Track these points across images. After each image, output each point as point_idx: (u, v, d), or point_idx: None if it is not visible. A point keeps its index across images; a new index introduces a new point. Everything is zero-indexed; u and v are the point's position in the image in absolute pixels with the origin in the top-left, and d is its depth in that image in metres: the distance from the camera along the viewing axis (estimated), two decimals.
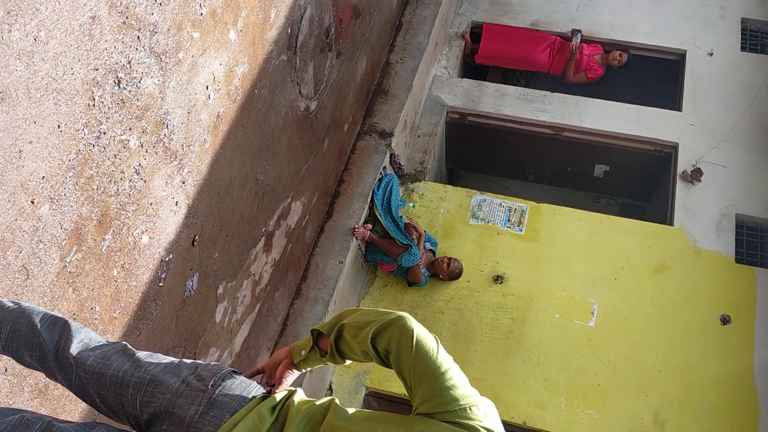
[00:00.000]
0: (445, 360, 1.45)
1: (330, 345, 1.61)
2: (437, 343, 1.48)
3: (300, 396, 1.60)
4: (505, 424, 4.91)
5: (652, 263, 5.68)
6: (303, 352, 1.68)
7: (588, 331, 5.44)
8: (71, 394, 2.60)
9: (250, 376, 1.74)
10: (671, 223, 5.91)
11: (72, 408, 2.66)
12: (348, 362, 1.64)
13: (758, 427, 4.96)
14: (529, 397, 5.21)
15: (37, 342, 1.81)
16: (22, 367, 2.34)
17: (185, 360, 1.71)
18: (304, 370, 1.74)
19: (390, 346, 1.47)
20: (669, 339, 5.35)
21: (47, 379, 2.46)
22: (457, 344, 5.45)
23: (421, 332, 1.46)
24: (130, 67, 2.57)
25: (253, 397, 1.58)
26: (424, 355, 1.43)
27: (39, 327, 1.82)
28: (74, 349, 1.77)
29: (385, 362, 1.53)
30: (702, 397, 5.11)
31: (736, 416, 5.02)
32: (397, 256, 5.43)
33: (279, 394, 1.62)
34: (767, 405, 5.03)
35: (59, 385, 2.54)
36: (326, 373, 5.26)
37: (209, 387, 1.56)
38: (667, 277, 5.61)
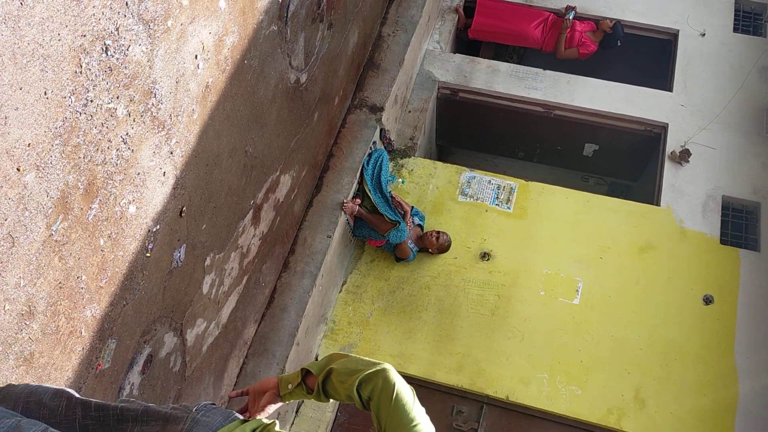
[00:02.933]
0: (418, 413, 1.63)
1: (317, 385, 1.81)
2: (414, 396, 1.65)
3: (279, 428, 1.73)
4: (488, 398, 4.98)
5: (638, 243, 5.73)
6: (290, 386, 1.86)
7: (572, 308, 5.50)
8: (56, 361, 2.61)
9: (235, 396, 1.99)
10: (658, 204, 5.95)
11: (57, 376, 2.67)
12: (331, 400, 1.84)
13: (736, 406, 5.05)
14: (513, 373, 5.27)
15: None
16: (7, 335, 2.34)
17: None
18: (287, 402, 1.93)
19: (372, 394, 1.66)
20: (652, 318, 5.42)
21: (33, 346, 2.46)
22: (443, 320, 5.49)
23: (401, 386, 1.65)
24: (118, 34, 2.53)
25: (235, 418, 1.73)
26: (402, 407, 1.62)
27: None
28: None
29: (365, 407, 1.71)
30: (683, 375, 5.20)
31: (715, 395, 5.11)
32: (385, 232, 5.44)
33: (263, 417, 1.80)
34: (746, 384, 5.12)
35: (45, 353, 2.54)
36: (313, 345, 5.30)
37: (192, 411, 1.71)
38: (652, 257, 5.67)
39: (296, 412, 5.15)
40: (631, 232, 5.78)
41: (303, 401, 5.20)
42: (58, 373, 2.67)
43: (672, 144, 6.18)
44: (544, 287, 5.59)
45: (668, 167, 6.09)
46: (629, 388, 5.17)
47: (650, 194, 6.24)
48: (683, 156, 6.05)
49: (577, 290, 5.55)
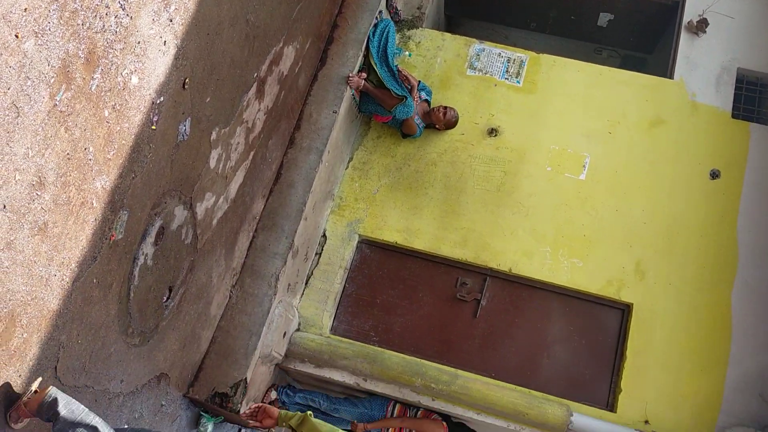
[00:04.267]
0: None
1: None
2: None
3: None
4: (491, 271, 5.10)
5: (648, 117, 5.65)
6: (284, 424, 2.88)
7: (578, 184, 5.51)
8: (70, 232, 2.66)
9: (250, 413, 3.03)
10: (671, 77, 5.80)
11: (72, 246, 2.73)
12: None
13: (734, 276, 5.18)
14: (516, 246, 5.38)
15: None
16: (20, 204, 2.37)
17: None
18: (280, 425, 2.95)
19: None
20: (657, 192, 5.44)
21: (46, 216, 2.50)
22: (449, 196, 5.53)
23: None
24: None
25: None
26: None
27: None
28: None
29: None
30: (684, 248, 5.29)
31: (715, 266, 5.23)
32: (392, 108, 5.35)
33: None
34: (746, 257, 5.22)
35: (58, 223, 2.58)
36: (320, 220, 5.38)
37: None
38: (661, 132, 5.60)
39: (306, 283, 5.32)
40: (642, 107, 5.68)
41: (312, 273, 5.35)
42: (72, 243, 2.72)
43: (690, 13, 5.93)
44: (550, 163, 5.58)
45: (684, 38, 5.88)
46: (630, 261, 5.29)
47: (664, 67, 6.07)
48: (700, 26, 5.82)
49: (584, 166, 5.54)
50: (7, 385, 2.54)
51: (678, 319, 5.12)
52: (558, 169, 5.55)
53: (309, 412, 2.83)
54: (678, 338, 5.08)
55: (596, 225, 5.40)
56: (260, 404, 3.00)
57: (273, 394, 5.17)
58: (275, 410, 2.91)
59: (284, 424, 2.86)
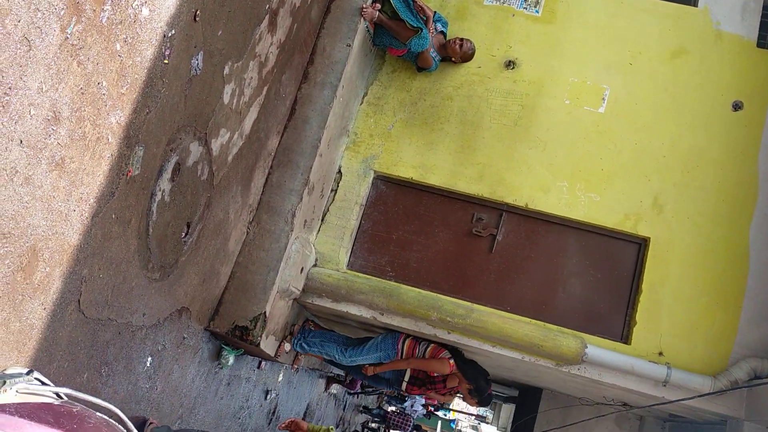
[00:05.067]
0: None
1: None
2: None
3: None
4: (507, 206, 5.09)
5: (670, 47, 5.49)
6: None
7: (597, 117, 5.42)
8: (87, 167, 2.66)
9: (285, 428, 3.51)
10: (695, 4, 5.61)
11: (90, 181, 2.74)
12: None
13: (754, 210, 5.13)
14: (533, 181, 5.34)
15: None
16: (36, 140, 2.37)
17: None
18: None
19: None
20: (678, 125, 5.34)
21: (63, 152, 2.50)
22: (465, 131, 5.47)
23: None
24: None
25: None
26: None
27: None
28: None
29: None
30: (703, 180, 5.23)
31: (734, 198, 5.17)
32: (407, 40, 5.24)
33: None
34: (766, 191, 5.16)
35: (75, 159, 2.59)
36: (335, 156, 5.36)
37: None
38: (683, 62, 5.46)
39: (322, 219, 5.34)
40: (664, 36, 5.51)
41: (328, 210, 5.36)
42: (90, 178, 2.74)
43: None
44: (569, 96, 5.47)
45: None
46: (648, 195, 5.24)
47: None
48: None
49: (603, 98, 5.44)
50: None
51: (695, 253, 5.11)
52: (576, 102, 5.45)
53: (331, 426, 3.46)
54: (695, 272, 5.08)
55: (614, 159, 5.33)
56: (293, 419, 3.60)
57: (287, 346, 5.28)
58: (305, 424, 3.55)
59: None
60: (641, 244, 5.23)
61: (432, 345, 5.27)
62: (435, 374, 5.33)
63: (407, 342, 5.28)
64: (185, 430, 2.26)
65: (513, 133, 5.45)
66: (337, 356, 5.43)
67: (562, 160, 5.37)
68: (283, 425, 3.60)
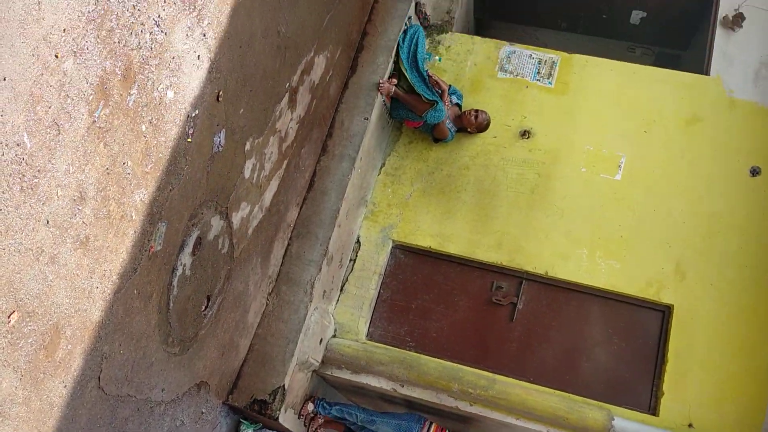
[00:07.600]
0: None
1: None
2: None
3: None
4: (527, 274, 5.09)
5: (685, 115, 5.54)
6: None
7: (614, 184, 5.44)
8: (111, 245, 2.72)
9: None
10: (707, 73, 5.69)
11: (113, 258, 2.79)
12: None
13: None
14: (552, 249, 5.32)
15: None
16: (63, 219, 2.44)
17: None
18: None
19: None
20: (696, 191, 5.33)
21: (88, 230, 2.56)
22: (482, 200, 5.50)
23: None
24: None
25: None
26: None
27: None
28: None
29: None
30: (725, 247, 5.17)
31: (757, 263, 5.10)
32: (423, 113, 5.35)
33: None
34: None
35: (99, 237, 2.65)
36: (354, 227, 5.40)
37: None
38: (698, 129, 5.49)
39: (341, 289, 5.34)
40: (678, 104, 5.57)
41: (347, 280, 5.37)
42: (113, 255, 2.79)
43: (725, 8, 5.80)
44: (585, 164, 5.51)
45: (720, 34, 5.76)
46: (670, 261, 5.19)
47: (699, 64, 5.95)
48: (736, 21, 5.70)
49: (619, 166, 5.46)
50: None
51: (721, 320, 5.00)
52: (593, 169, 5.49)
53: None
54: (721, 339, 4.96)
55: (633, 226, 5.31)
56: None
57: (310, 407, 5.20)
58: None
59: None
60: (665, 312, 5.14)
61: None
62: None
63: (433, 426, 5.09)
64: None
65: (530, 200, 5.48)
66: (359, 415, 5.25)
67: (581, 227, 5.36)
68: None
